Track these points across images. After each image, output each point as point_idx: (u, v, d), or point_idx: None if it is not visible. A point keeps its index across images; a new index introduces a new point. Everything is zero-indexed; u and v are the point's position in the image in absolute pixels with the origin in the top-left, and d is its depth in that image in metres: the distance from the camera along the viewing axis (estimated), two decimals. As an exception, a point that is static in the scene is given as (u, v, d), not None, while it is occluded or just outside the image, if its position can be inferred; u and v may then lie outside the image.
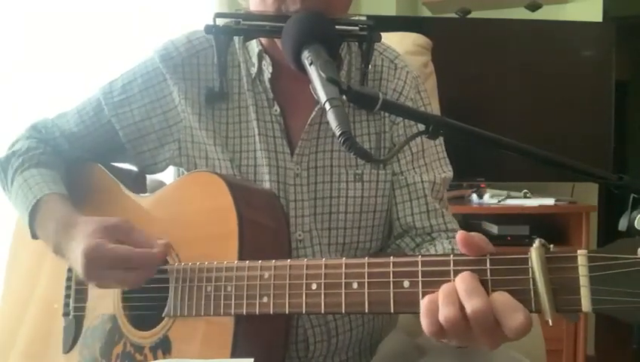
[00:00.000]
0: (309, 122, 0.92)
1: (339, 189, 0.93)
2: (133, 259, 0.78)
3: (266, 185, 0.91)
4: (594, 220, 2.71)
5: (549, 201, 2.44)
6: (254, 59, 0.94)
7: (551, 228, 2.53)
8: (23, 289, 1.03)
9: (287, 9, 0.82)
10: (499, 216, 2.49)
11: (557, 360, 2.41)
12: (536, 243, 0.57)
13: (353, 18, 0.87)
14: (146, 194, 0.96)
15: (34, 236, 0.91)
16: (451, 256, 0.62)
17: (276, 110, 0.93)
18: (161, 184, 1.07)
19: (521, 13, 2.85)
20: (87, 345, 0.91)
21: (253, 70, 0.94)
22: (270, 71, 0.92)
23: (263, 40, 0.94)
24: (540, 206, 2.43)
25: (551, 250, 0.58)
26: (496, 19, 2.81)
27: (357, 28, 0.84)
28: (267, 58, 0.93)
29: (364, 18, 0.85)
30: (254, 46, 0.94)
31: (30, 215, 0.90)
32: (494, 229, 2.46)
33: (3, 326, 1.05)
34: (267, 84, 0.93)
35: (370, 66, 0.96)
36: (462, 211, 2.47)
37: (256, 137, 0.93)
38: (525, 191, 2.49)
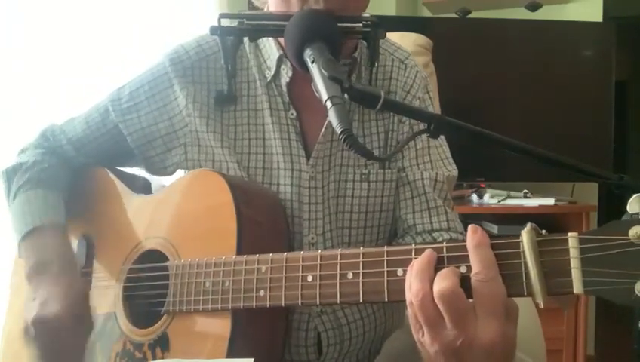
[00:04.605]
0: (325, 125, 0.91)
1: (345, 189, 0.93)
2: None
3: (281, 188, 0.91)
4: (594, 220, 2.71)
5: (549, 201, 2.44)
6: (270, 63, 0.93)
7: (551, 228, 2.50)
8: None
9: (310, 8, 0.81)
10: (499, 216, 2.49)
11: (557, 360, 2.41)
12: (527, 226, 0.57)
13: (357, 16, 0.86)
14: (149, 194, 0.97)
15: (19, 255, 0.92)
16: (444, 243, 0.61)
17: (292, 114, 0.93)
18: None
19: (521, 13, 2.85)
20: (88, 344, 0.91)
21: (269, 73, 0.93)
22: (289, 75, 0.91)
23: (283, 44, 0.93)
24: (540, 206, 2.43)
25: (543, 234, 0.57)
26: (496, 19, 2.81)
27: (360, 25, 0.83)
28: (287, 63, 0.91)
29: (367, 15, 0.84)
30: (272, 50, 0.93)
31: (22, 239, 0.91)
32: (494, 229, 2.45)
33: (14, 321, 1.04)
34: (284, 89, 0.92)
35: (380, 66, 0.96)
36: (462, 211, 2.47)
37: (274, 141, 0.92)
38: (525, 191, 2.49)
